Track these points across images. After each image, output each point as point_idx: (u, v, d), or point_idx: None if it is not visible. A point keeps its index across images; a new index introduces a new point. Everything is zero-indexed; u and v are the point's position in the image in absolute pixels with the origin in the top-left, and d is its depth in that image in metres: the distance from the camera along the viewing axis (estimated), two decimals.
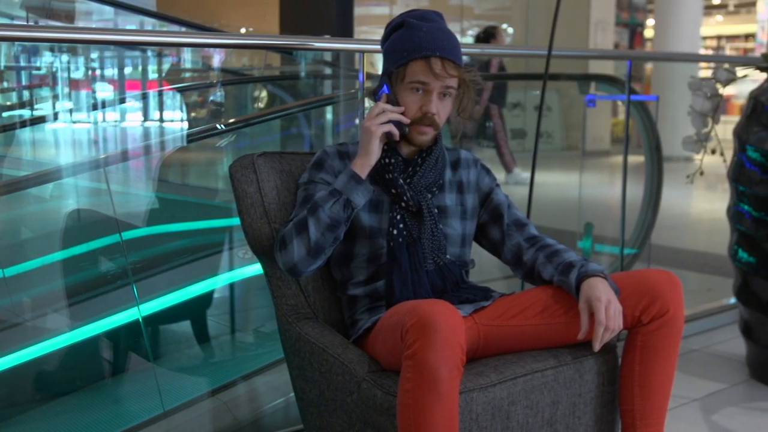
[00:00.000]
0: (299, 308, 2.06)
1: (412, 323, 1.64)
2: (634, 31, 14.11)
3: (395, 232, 1.97)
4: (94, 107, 4.59)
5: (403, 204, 1.99)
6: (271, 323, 3.27)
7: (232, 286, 3.64)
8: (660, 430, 1.96)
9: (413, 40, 1.93)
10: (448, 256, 2.02)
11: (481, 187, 2.15)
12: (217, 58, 5.58)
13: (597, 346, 1.86)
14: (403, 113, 1.95)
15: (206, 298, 3.57)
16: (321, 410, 1.96)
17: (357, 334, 1.98)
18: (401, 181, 1.98)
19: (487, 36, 8.39)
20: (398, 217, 1.99)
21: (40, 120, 4.35)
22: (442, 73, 1.92)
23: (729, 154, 3.29)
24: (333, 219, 1.89)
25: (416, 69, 1.93)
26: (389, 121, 1.93)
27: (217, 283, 3.63)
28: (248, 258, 3.41)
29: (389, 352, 1.78)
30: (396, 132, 1.94)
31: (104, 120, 4.47)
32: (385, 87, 1.99)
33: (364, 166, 1.93)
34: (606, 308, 1.83)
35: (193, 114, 6.05)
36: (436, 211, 2.01)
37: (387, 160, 2.00)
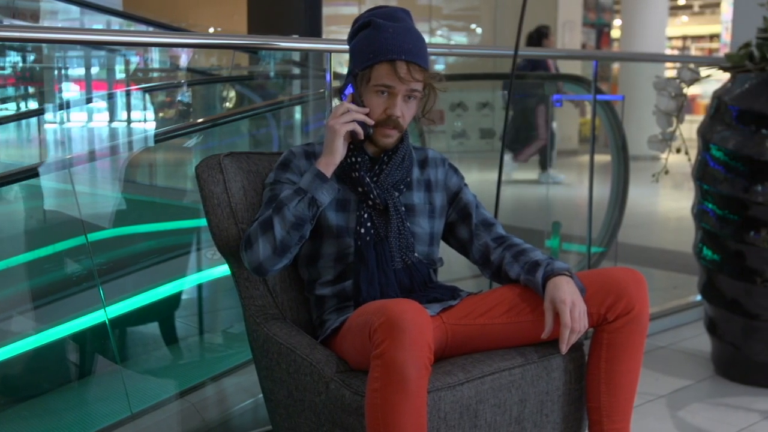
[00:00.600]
0: (267, 309, 2.06)
1: (380, 323, 1.64)
2: (601, 31, 14.23)
3: (362, 230, 1.97)
4: (60, 107, 4.55)
5: (369, 202, 1.99)
6: (240, 324, 3.26)
7: (200, 287, 3.62)
8: (626, 427, 1.98)
9: (379, 42, 1.93)
10: (416, 255, 2.02)
11: (449, 186, 2.15)
12: (183, 58, 5.55)
13: (564, 349, 1.87)
14: (367, 114, 1.95)
15: (174, 300, 3.55)
16: (289, 411, 1.95)
17: (325, 334, 1.98)
18: (367, 179, 1.98)
19: (540, 35, 8.53)
20: (365, 215, 1.98)
21: (5, 120, 4.30)
22: (407, 77, 1.92)
23: (694, 153, 3.33)
24: (298, 217, 1.88)
25: (381, 72, 1.92)
26: (354, 121, 1.92)
27: (185, 284, 3.61)
28: (216, 259, 3.39)
29: (357, 352, 1.78)
30: (360, 131, 1.94)
31: (70, 120, 4.42)
32: (350, 87, 1.99)
33: (328, 164, 1.93)
34: (571, 310, 1.85)
35: (161, 114, 6.01)
36: (403, 209, 2.01)
37: (353, 159, 1.99)
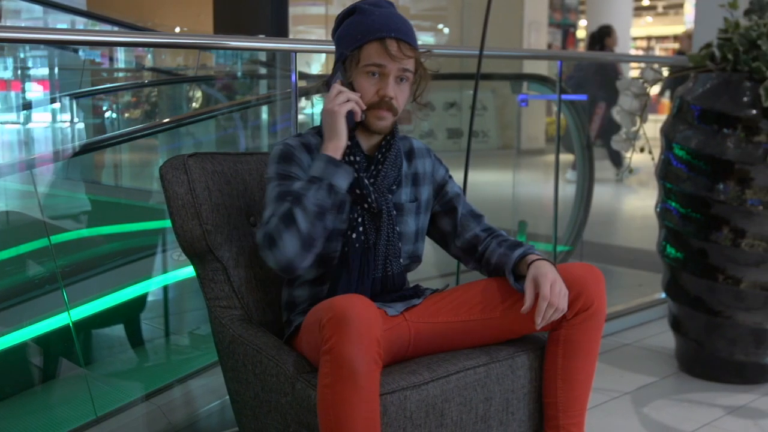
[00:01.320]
0: (232, 310, 2.05)
1: (328, 318, 1.64)
2: (567, 31, 14.33)
3: (354, 235, 1.92)
4: (24, 107, 4.50)
5: (365, 205, 1.93)
6: (207, 326, 3.25)
7: (166, 288, 3.60)
8: (581, 421, 2.00)
9: (367, 23, 1.90)
10: (400, 261, 2.00)
11: (435, 178, 2.11)
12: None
13: (539, 321, 1.85)
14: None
15: (140, 302, 3.52)
16: (256, 412, 1.95)
17: (288, 332, 1.96)
18: (366, 181, 1.93)
19: (602, 35, 8.60)
20: (359, 219, 1.93)
21: None
22: (399, 54, 1.88)
23: (657, 153, 3.37)
24: (319, 206, 1.80)
25: (371, 51, 1.88)
26: (349, 101, 1.87)
27: (151, 286, 3.58)
28: (182, 260, 3.37)
29: (312, 350, 1.77)
30: (358, 110, 1.88)
31: (32, 120, 4.37)
32: (338, 75, 1.93)
33: (337, 148, 1.86)
34: (552, 285, 1.85)
35: (126, 114, 5.96)
36: (394, 213, 1.97)
37: (351, 158, 1.93)
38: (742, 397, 3.07)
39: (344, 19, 1.97)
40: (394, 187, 1.99)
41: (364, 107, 1.89)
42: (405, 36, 1.90)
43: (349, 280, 1.92)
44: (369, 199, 1.93)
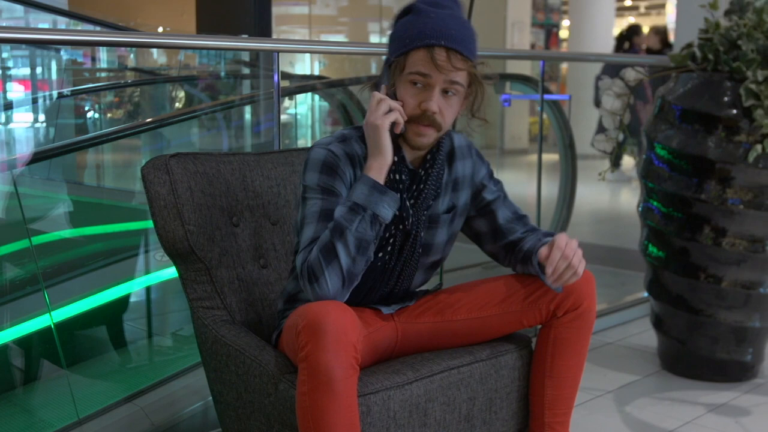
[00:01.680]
0: (215, 310, 2.04)
1: (303, 325, 1.63)
2: (550, 31, 14.38)
3: (380, 254, 1.86)
4: (5, 108, 4.47)
5: (401, 227, 1.86)
6: (190, 326, 3.24)
7: (148, 289, 3.58)
8: (567, 420, 2.01)
9: (417, 27, 1.76)
10: (417, 276, 1.97)
11: (475, 181, 2.00)
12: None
13: (549, 272, 1.78)
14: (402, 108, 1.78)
15: (122, 303, 3.50)
16: (239, 413, 1.94)
17: (276, 332, 1.96)
18: (407, 203, 1.85)
19: (631, 33, 8.65)
20: (391, 240, 1.87)
21: None
22: (446, 65, 1.74)
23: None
24: (361, 240, 1.72)
25: (417, 59, 1.75)
26: (392, 111, 1.75)
27: (134, 286, 3.56)
28: (165, 261, 3.36)
29: (292, 353, 1.77)
30: (401, 120, 1.76)
31: (13, 120, 4.35)
32: (385, 78, 1.82)
33: (381, 168, 1.76)
34: (568, 242, 1.78)
35: (108, 114, 5.94)
36: (422, 234, 1.91)
37: (395, 176, 1.83)
38: (723, 394, 3.09)
39: (399, 18, 1.84)
40: (431, 202, 1.91)
41: (405, 118, 1.78)
42: (457, 44, 1.75)
43: (359, 288, 1.87)
44: (407, 222, 1.86)
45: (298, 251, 1.80)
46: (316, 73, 7.35)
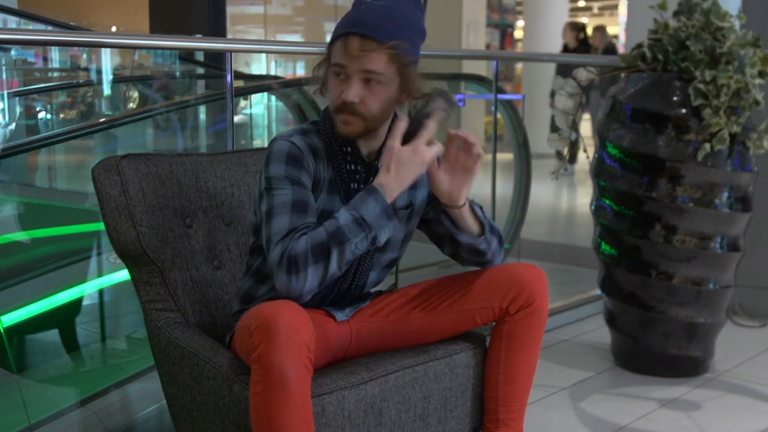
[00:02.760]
0: (168, 312, 2.02)
1: (256, 326, 1.63)
2: (505, 32, 14.48)
3: None
4: None
5: None
6: (144, 329, 3.21)
7: (101, 292, 3.54)
8: (521, 416, 2.03)
9: (343, 20, 1.78)
10: (374, 272, 1.96)
11: None
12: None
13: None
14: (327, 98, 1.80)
15: (75, 306, 3.45)
16: (193, 416, 1.93)
17: (230, 333, 1.95)
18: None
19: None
20: None
21: None
22: (356, 53, 1.72)
23: (592, 151, 3.43)
24: (355, 255, 1.73)
25: (335, 50, 1.77)
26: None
27: (87, 289, 3.52)
28: (119, 263, 3.32)
29: (245, 354, 1.76)
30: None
31: None
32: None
33: (394, 193, 1.75)
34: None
35: (61, 115, 5.85)
36: None
37: (353, 167, 1.85)
38: (675, 389, 3.14)
39: None
40: None
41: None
42: (371, 32, 1.73)
43: (319, 293, 1.87)
44: None
45: (264, 245, 1.77)
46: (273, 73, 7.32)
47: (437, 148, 1.78)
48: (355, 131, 1.81)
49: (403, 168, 1.75)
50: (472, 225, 1.92)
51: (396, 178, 1.75)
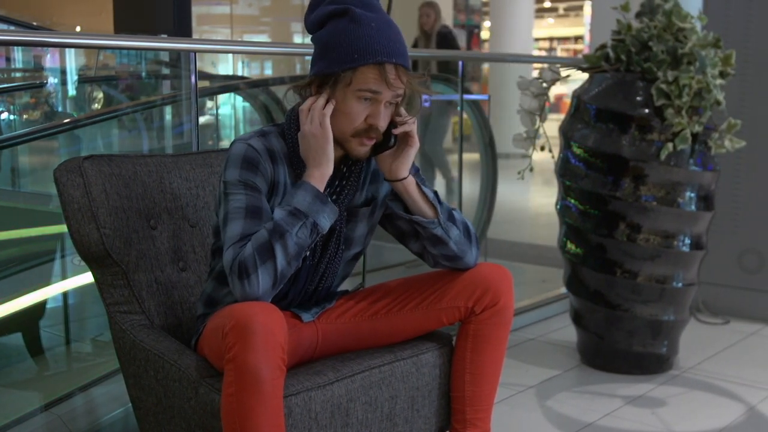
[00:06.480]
0: (133, 315, 2.01)
1: (231, 326, 1.62)
2: (471, 32, 14.53)
3: (307, 253, 1.85)
4: None
5: None
6: (109, 331, 3.18)
7: (66, 294, 3.50)
8: (488, 415, 2.03)
9: (364, 40, 1.73)
10: (334, 277, 1.97)
11: None
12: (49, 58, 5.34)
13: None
14: (343, 121, 1.78)
15: (39, 309, 3.41)
16: (159, 419, 1.91)
17: (199, 332, 1.93)
18: (329, 199, 1.81)
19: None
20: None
21: None
22: (396, 83, 1.75)
23: (557, 151, 3.45)
24: (300, 246, 1.72)
25: (368, 77, 1.73)
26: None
27: (50, 292, 3.47)
28: (83, 265, 3.28)
29: (215, 356, 1.75)
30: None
31: None
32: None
33: (323, 177, 1.76)
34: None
35: (24, 116, 5.77)
36: (344, 230, 1.92)
37: None
38: (640, 387, 3.17)
39: (330, 19, 1.79)
40: (351, 196, 1.91)
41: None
42: (403, 60, 1.76)
43: (286, 293, 1.88)
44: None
45: (223, 248, 1.77)
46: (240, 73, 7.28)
47: (317, 113, 1.76)
48: (368, 152, 1.83)
49: (309, 151, 1.78)
50: (423, 206, 1.90)
51: (312, 162, 1.77)
